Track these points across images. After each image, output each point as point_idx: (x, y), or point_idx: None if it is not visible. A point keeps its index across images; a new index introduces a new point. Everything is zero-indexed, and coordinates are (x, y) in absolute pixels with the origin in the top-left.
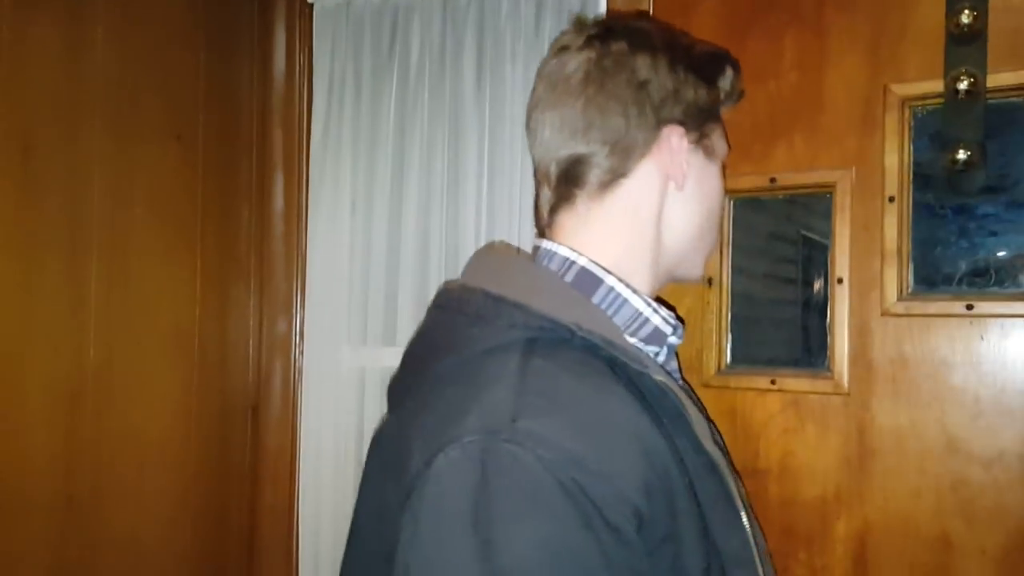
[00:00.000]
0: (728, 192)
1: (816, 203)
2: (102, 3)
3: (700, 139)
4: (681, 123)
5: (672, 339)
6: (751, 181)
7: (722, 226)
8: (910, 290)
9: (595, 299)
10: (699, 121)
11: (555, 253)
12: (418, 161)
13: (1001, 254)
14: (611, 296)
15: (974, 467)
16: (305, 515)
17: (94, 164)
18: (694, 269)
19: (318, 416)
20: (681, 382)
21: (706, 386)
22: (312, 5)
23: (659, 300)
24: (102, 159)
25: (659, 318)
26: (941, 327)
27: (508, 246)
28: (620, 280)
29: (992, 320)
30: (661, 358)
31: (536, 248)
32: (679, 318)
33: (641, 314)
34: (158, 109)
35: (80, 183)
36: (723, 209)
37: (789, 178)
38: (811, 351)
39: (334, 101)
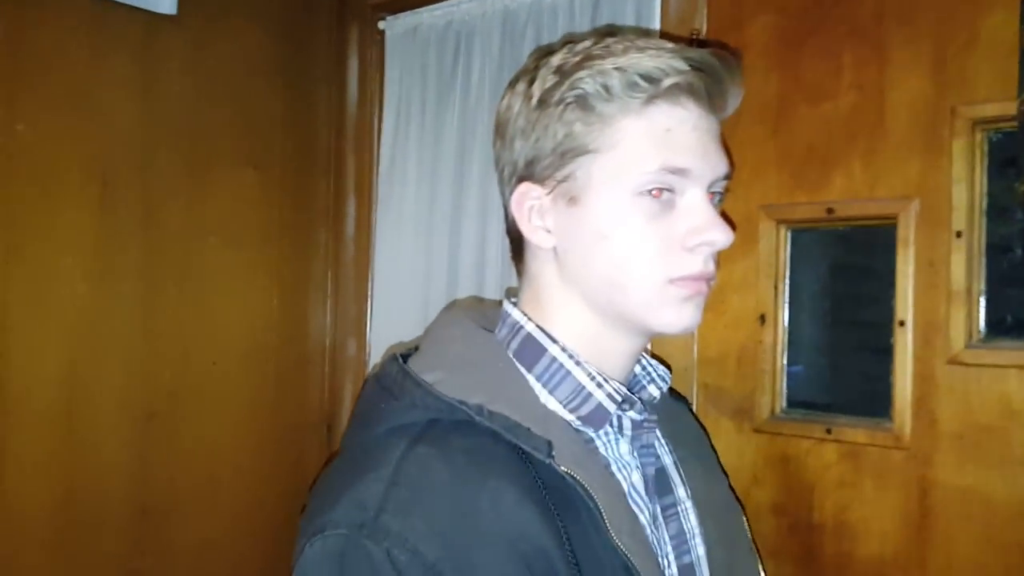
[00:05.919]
0: (782, 222)
1: (878, 236)
2: (177, 36)
3: (558, 185)
4: (526, 179)
5: (632, 414)
6: (807, 211)
7: (777, 257)
8: (980, 336)
9: (536, 370)
10: (557, 165)
11: (508, 316)
12: (477, 181)
13: None
14: (553, 367)
15: None
16: None
17: (170, 194)
18: (657, 320)
19: None
20: (654, 459)
21: (758, 431)
22: (384, 32)
23: (654, 354)
24: (177, 189)
25: (603, 394)
26: (1014, 380)
27: (469, 305)
28: (564, 350)
29: None
30: (627, 431)
31: (502, 303)
32: (666, 366)
33: (584, 389)
34: (234, 139)
35: (156, 212)
36: (660, 242)
37: (847, 208)
38: (871, 399)
39: (401, 124)
